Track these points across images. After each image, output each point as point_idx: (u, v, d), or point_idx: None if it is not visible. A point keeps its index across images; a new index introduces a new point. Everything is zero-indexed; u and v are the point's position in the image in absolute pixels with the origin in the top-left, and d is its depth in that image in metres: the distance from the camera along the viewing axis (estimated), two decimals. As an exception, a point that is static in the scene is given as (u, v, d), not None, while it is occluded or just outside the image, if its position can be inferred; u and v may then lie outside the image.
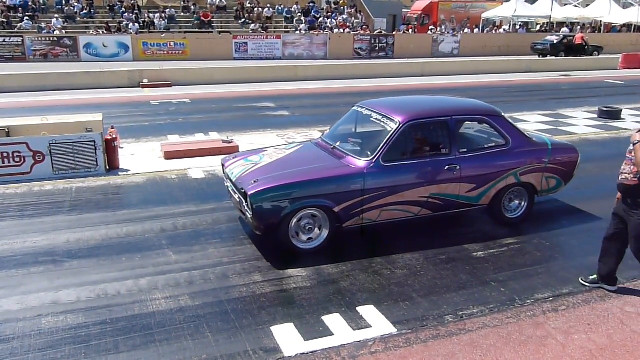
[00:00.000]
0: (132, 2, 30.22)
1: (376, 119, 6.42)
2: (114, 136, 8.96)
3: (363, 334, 4.47)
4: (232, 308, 4.84)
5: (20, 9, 27.59)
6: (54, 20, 27.06)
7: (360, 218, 5.92)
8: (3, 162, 8.22)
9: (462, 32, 35.67)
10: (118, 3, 30.08)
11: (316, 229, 5.86)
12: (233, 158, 6.75)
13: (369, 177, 5.82)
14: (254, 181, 5.74)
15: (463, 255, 5.93)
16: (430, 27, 35.93)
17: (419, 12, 39.79)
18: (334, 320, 4.64)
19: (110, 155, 8.87)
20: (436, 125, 6.34)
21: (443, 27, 36.58)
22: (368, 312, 4.78)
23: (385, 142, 5.96)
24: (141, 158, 9.68)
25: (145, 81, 19.00)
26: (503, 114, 6.71)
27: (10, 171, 8.25)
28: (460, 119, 6.48)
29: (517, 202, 6.75)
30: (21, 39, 24.97)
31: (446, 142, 6.25)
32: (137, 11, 29.59)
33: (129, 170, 8.95)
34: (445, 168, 6.13)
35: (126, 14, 29.10)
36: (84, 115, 9.89)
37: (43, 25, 26.85)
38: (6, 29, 25.99)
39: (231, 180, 6.27)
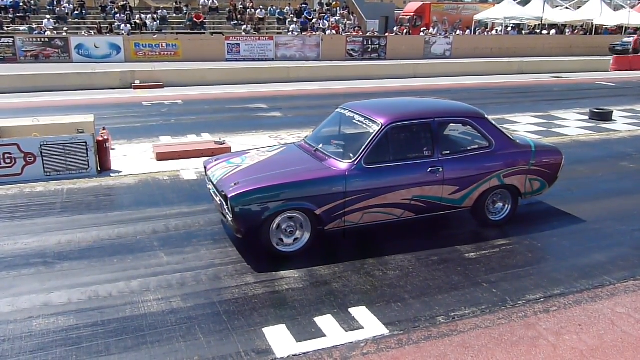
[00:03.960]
0: (124, 3, 30.11)
1: (359, 120, 6.38)
2: (106, 137, 8.92)
3: (355, 335, 4.47)
4: (224, 309, 4.83)
5: (11, 9, 27.42)
6: (45, 21, 26.92)
7: (343, 221, 5.87)
8: (-6, 164, 8.17)
9: (454, 33, 35.84)
10: (110, 4, 29.97)
11: (297, 232, 5.81)
12: (215, 160, 6.69)
13: (351, 180, 5.77)
14: (235, 184, 5.69)
15: (455, 257, 5.94)
16: (423, 29, 36.11)
17: (412, 14, 39.96)
18: (326, 322, 4.64)
19: (102, 157, 8.83)
20: (418, 127, 6.29)
21: (435, 29, 36.75)
22: (360, 313, 4.78)
23: (368, 144, 5.92)
24: (133, 159, 9.65)
25: (137, 82, 18.92)
26: (486, 116, 6.68)
27: (1, 172, 8.19)
28: (442, 121, 6.43)
29: (500, 204, 6.74)
30: (12, 39, 24.81)
31: (429, 144, 6.20)
32: (128, 12, 29.47)
33: (121, 172, 8.91)
34: (428, 170, 6.10)
35: (118, 15, 29.01)
36: (75, 117, 9.85)
37: (34, 25, 26.70)
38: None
39: (213, 183, 6.22)
